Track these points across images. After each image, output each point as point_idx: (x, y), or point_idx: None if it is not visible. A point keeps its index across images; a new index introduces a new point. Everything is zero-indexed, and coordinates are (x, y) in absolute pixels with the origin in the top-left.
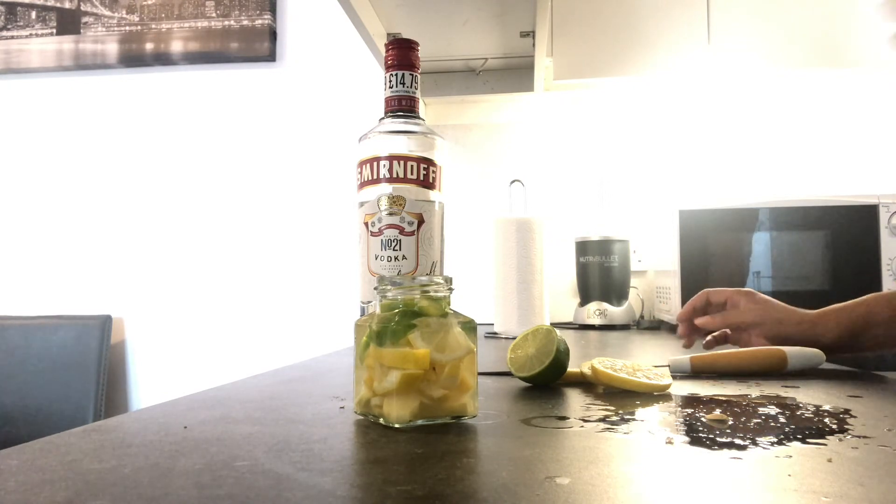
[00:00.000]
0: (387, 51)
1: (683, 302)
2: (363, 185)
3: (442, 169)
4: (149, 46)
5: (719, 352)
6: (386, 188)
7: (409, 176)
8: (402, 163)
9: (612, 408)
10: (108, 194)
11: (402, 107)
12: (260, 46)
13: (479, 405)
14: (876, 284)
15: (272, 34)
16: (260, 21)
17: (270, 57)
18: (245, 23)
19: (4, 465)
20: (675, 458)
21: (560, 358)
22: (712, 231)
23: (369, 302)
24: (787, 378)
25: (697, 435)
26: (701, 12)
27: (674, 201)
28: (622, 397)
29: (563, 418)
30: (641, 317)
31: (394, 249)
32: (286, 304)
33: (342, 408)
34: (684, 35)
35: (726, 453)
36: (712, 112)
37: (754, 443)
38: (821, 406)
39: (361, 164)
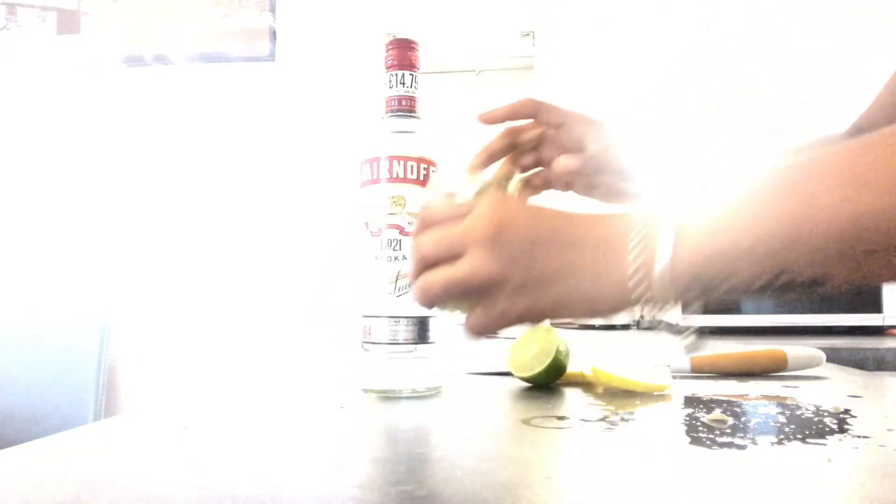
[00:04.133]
0: (387, 51)
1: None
2: (363, 185)
3: (442, 169)
4: (149, 46)
5: (719, 353)
6: (386, 188)
7: (409, 176)
8: (402, 163)
9: (612, 408)
10: (108, 195)
11: (402, 107)
12: (260, 46)
13: (479, 406)
14: (876, 284)
15: (272, 34)
16: (260, 21)
17: (270, 56)
18: (245, 23)
19: (4, 465)
20: (675, 458)
21: (560, 358)
22: None
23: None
24: (787, 378)
25: (697, 435)
26: None
27: None
28: (622, 397)
29: (563, 418)
30: (641, 317)
31: (394, 249)
32: (285, 305)
33: (342, 408)
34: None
35: (726, 453)
36: (711, 109)
37: (754, 443)
38: (821, 406)
39: (361, 164)
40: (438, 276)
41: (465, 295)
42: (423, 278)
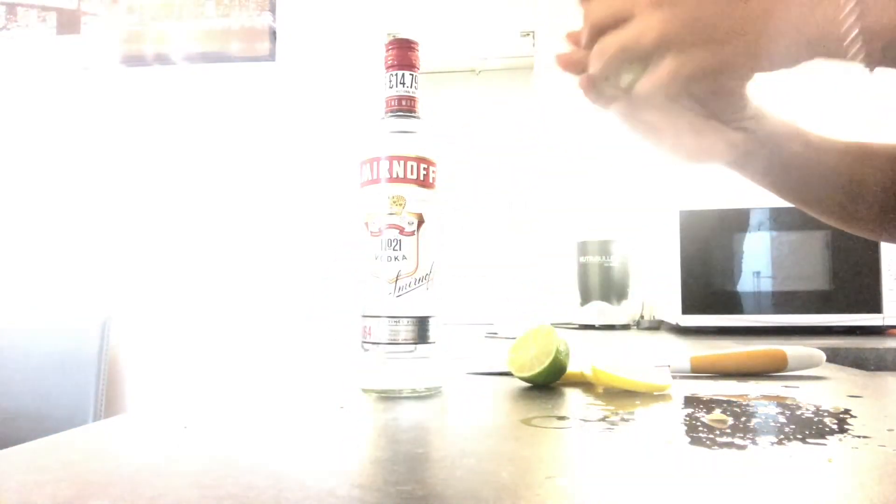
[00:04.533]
0: (387, 51)
1: (684, 302)
2: (363, 185)
3: (441, 168)
4: (149, 46)
5: (719, 352)
6: (386, 188)
7: (409, 176)
8: (402, 163)
9: (612, 408)
10: (108, 195)
11: (402, 107)
12: (260, 46)
13: (479, 406)
14: (876, 284)
15: (272, 34)
16: (260, 21)
17: (270, 57)
18: (245, 23)
19: (4, 465)
20: (675, 458)
21: (560, 358)
22: (712, 231)
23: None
24: (787, 378)
25: (697, 435)
26: None
27: (674, 201)
28: (622, 397)
29: (563, 418)
30: (641, 317)
31: (394, 249)
32: (286, 305)
33: (342, 408)
34: None
35: (726, 453)
36: None
37: (754, 443)
38: (821, 406)
39: (361, 164)
40: (609, 43)
41: (636, 58)
42: (596, 45)
